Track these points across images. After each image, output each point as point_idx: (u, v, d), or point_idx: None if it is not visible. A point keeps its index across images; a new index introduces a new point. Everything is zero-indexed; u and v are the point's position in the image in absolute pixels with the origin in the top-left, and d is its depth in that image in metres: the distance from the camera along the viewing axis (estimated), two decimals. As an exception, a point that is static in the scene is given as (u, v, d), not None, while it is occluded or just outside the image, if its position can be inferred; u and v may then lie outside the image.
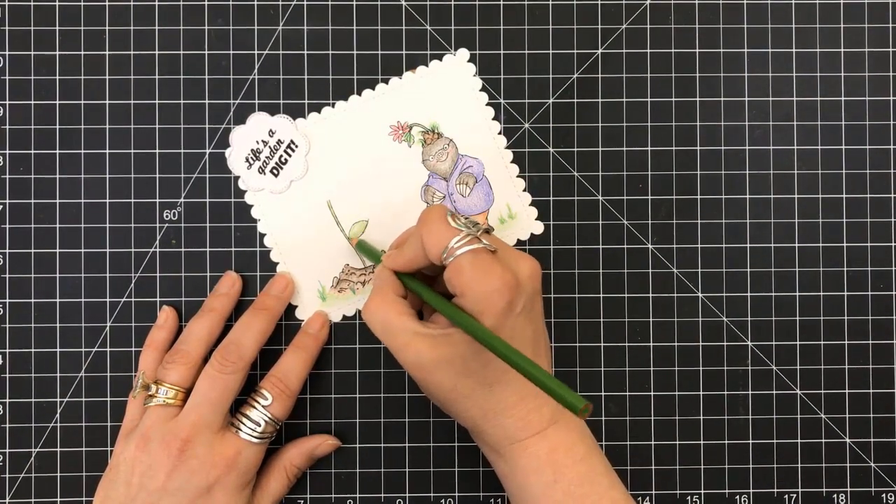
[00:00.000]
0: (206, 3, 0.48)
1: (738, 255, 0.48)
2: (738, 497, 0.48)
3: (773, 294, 0.48)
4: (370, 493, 0.48)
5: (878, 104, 0.49)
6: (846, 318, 0.48)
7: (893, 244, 0.48)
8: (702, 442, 0.48)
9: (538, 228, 0.48)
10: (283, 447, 0.46)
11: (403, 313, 0.40)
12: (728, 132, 0.48)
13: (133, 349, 0.48)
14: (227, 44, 0.48)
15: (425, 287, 0.41)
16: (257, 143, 0.48)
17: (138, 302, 0.48)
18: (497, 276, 0.38)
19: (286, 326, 0.48)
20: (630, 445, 0.48)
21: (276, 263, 0.48)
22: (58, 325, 0.48)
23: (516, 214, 0.48)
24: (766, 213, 0.48)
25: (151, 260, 0.48)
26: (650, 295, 0.48)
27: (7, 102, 0.48)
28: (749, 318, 0.48)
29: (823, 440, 0.48)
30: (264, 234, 0.48)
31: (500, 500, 0.48)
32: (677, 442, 0.48)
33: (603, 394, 0.48)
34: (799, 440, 0.48)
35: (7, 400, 0.48)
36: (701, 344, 0.48)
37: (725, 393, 0.48)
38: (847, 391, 0.48)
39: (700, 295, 0.48)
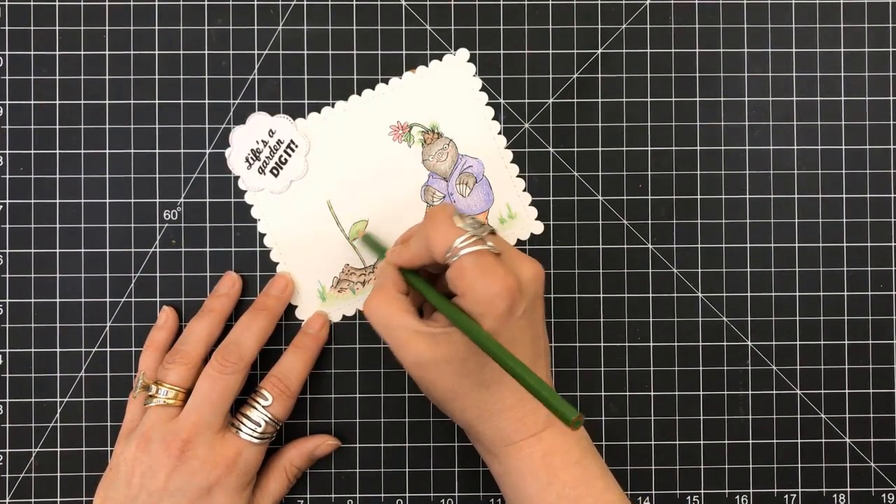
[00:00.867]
0: (206, 3, 0.48)
1: (738, 255, 0.48)
2: (738, 497, 0.48)
3: (772, 294, 0.48)
4: (370, 493, 0.48)
5: (878, 104, 0.49)
6: (846, 318, 0.48)
7: (893, 244, 0.48)
8: (702, 442, 0.48)
9: (538, 228, 0.48)
10: (282, 447, 0.46)
11: (404, 310, 0.40)
12: (728, 132, 0.48)
13: (133, 349, 0.48)
14: (227, 44, 0.48)
15: (427, 285, 0.41)
16: (257, 143, 0.48)
17: (138, 302, 0.48)
18: (499, 279, 0.38)
19: (286, 326, 0.48)
20: (630, 445, 0.48)
21: (276, 263, 0.48)
22: (58, 325, 0.48)
23: (516, 214, 0.48)
24: (766, 213, 0.48)
25: (151, 260, 0.48)
26: (650, 295, 0.48)
27: (7, 102, 0.48)
28: (749, 318, 0.48)
29: (823, 440, 0.48)
30: (264, 234, 0.48)
31: (499, 500, 0.48)
32: (677, 442, 0.48)
33: (603, 394, 0.48)
34: (799, 440, 0.48)
35: (7, 400, 0.48)
36: (701, 344, 0.48)
37: (725, 393, 0.48)
38: (847, 391, 0.48)
39: (700, 295, 0.48)
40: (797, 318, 0.48)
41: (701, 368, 0.48)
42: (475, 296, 0.38)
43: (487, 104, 0.48)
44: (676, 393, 0.48)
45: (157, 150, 0.48)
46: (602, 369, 0.48)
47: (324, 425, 0.48)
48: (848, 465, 0.48)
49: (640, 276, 0.48)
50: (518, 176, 0.48)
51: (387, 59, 0.48)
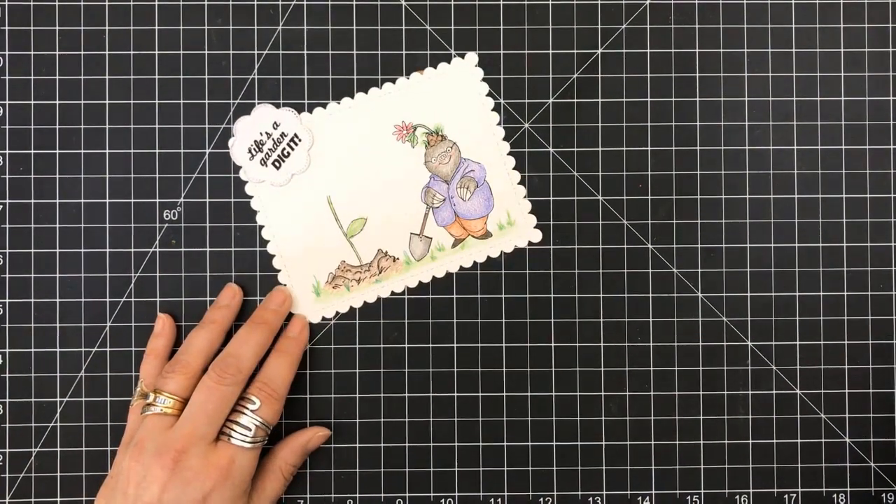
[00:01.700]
0: (206, 3, 0.48)
1: (738, 255, 0.48)
2: (738, 497, 0.48)
3: (772, 294, 0.48)
4: (370, 493, 0.48)
5: (878, 104, 0.49)
6: (846, 318, 0.48)
7: (893, 244, 0.48)
8: (702, 442, 0.48)
9: (536, 237, 0.48)
10: (274, 448, 0.46)
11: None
12: (728, 132, 0.48)
13: (133, 349, 0.48)
14: (227, 44, 0.48)
15: None
16: (261, 134, 0.48)
17: (138, 302, 0.48)
18: None
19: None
20: (630, 445, 0.48)
21: (278, 271, 0.48)
22: (58, 325, 0.48)
23: (515, 221, 0.48)
24: (766, 213, 0.48)
25: (151, 260, 0.48)
26: (650, 295, 0.48)
27: (7, 102, 0.48)
28: (749, 318, 0.48)
29: (823, 440, 0.48)
30: (262, 226, 0.48)
31: (499, 500, 0.48)
32: (677, 442, 0.48)
33: (603, 394, 0.48)
34: (799, 440, 0.48)
35: (7, 400, 0.48)
36: (701, 344, 0.48)
37: (725, 393, 0.48)
38: (847, 391, 0.48)
39: (700, 295, 0.48)
40: (797, 318, 0.48)
41: (701, 368, 0.48)
42: None
43: (493, 109, 0.48)
44: (676, 393, 0.48)
45: (156, 150, 0.48)
46: (602, 369, 0.48)
47: (324, 425, 0.48)
48: (848, 465, 0.48)
49: (640, 276, 0.48)
50: (519, 183, 0.48)
51: (387, 60, 0.48)
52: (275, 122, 0.48)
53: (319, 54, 0.48)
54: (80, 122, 0.48)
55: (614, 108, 0.48)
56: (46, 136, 0.48)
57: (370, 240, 0.48)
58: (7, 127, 0.48)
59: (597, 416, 0.48)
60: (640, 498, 0.48)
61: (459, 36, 0.48)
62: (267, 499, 0.45)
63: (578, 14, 0.48)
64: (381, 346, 0.48)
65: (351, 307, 0.48)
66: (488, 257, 0.48)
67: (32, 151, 0.48)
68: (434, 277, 0.48)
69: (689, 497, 0.48)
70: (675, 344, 0.48)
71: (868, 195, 0.48)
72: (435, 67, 0.48)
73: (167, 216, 0.48)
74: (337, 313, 0.48)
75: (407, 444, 0.48)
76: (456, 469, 0.48)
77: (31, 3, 0.48)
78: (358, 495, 0.48)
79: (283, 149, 0.48)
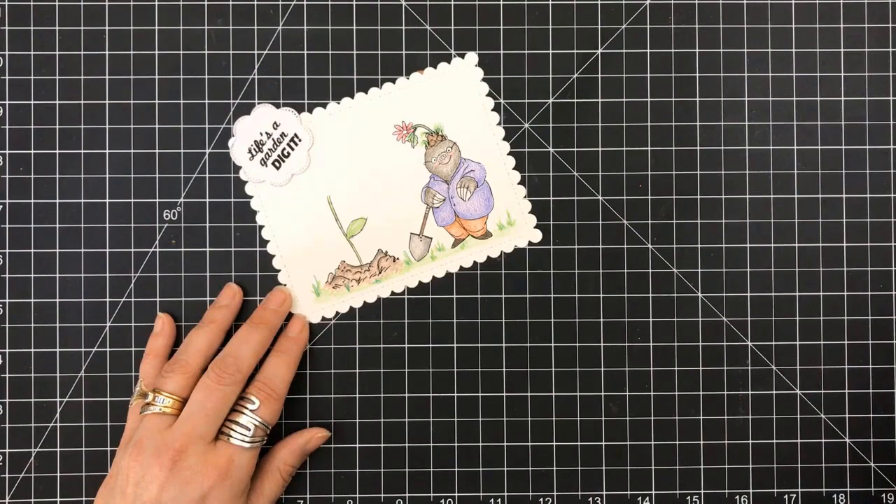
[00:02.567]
0: (206, 3, 0.48)
1: (738, 255, 0.48)
2: (738, 497, 0.48)
3: (772, 294, 0.48)
4: (370, 493, 0.48)
5: (878, 104, 0.49)
6: (846, 318, 0.48)
7: (893, 244, 0.48)
8: (702, 442, 0.48)
9: (536, 237, 0.48)
10: (273, 448, 0.46)
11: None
12: (728, 132, 0.48)
13: (133, 349, 0.48)
14: (227, 44, 0.48)
15: None
16: (261, 134, 0.48)
17: (138, 302, 0.48)
18: None
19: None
20: (630, 445, 0.48)
21: (278, 271, 0.48)
22: (58, 325, 0.48)
23: (515, 221, 0.48)
24: (766, 213, 0.48)
25: (151, 260, 0.48)
26: (650, 295, 0.48)
27: (7, 102, 0.48)
28: (749, 318, 0.48)
29: (823, 440, 0.48)
30: (262, 226, 0.48)
31: (499, 500, 0.48)
32: (677, 442, 0.48)
33: (603, 394, 0.48)
34: (799, 440, 0.48)
35: (7, 400, 0.48)
36: (701, 344, 0.48)
37: (725, 393, 0.48)
38: (847, 391, 0.48)
39: (700, 295, 0.48)
40: (797, 318, 0.48)
41: (701, 368, 0.48)
42: None
43: (493, 109, 0.48)
44: (676, 393, 0.48)
45: (156, 150, 0.48)
46: (602, 369, 0.48)
47: (324, 425, 0.48)
48: (848, 465, 0.48)
49: (640, 276, 0.48)
50: (519, 183, 0.48)
51: (387, 60, 0.48)
52: (275, 122, 0.48)
53: (319, 54, 0.48)
54: (80, 122, 0.48)
55: (614, 108, 0.48)
56: (46, 136, 0.48)
57: (370, 240, 0.48)
58: (7, 127, 0.48)
59: (597, 416, 0.48)
60: (639, 498, 0.48)
61: (459, 36, 0.48)
62: (266, 499, 0.45)
63: (578, 14, 0.48)
64: (381, 346, 0.48)
65: (351, 307, 0.48)
66: (488, 257, 0.48)
67: (32, 151, 0.48)
68: (434, 277, 0.48)
69: (689, 497, 0.48)
70: (675, 344, 0.48)
71: (868, 195, 0.48)
72: (435, 67, 0.48)
73: (167, 216, 0.48)
74: (337, 313, 0.48)
75: (407, 445, 0.48)
76: (456, 469, 0.48)
77: (31, 3, 0.48)
78: (358, 495, 0.48)
79: (283, 149, 0.48)
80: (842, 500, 0.48)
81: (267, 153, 0.48)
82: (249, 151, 0.48)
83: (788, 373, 0.48)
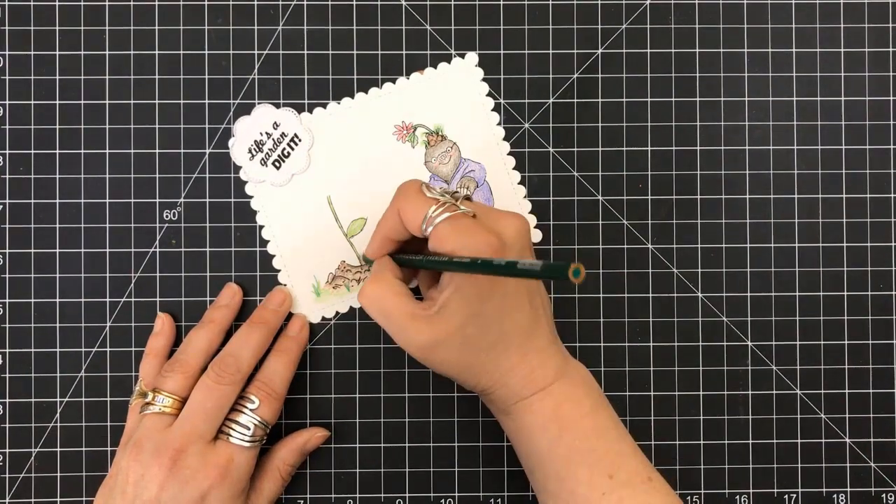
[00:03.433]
0: (206, 3, 0.48)
1: (738, 255, 0.48)
2: (738, 497, 0.48)
3: (772, 294, 0.48)
4: (370, 493, 0.48)
5: (878, 104, 0.49)
6: (846, 318, 0.48)
7: (893, 244, 0.48)
8: (702, 442, 0.48)
9: (536, 236, 0.48)
10: (273, 448, 0.46)
11: (399, 294, 0.40)
12: (728, 132, 0.48)
13: (133, 349, 0.48)
14: (227, 44, 0.48)
15: (415, 256, 0.41)
16: (261, 134, 0.48)
17: (138, 302, 0.48)
18: (480, 238, 0.38)
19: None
20: (630, 445, 0.48)
21: (278, 271, 0.48)
22: (58, 325, 0.48)
23: (515, 220, 0.48)
24: (766, 213, 0.48)
25: (151, 260, 0.48)
26: (650, 295, 0.48)
27: (7, 102, 0.48)
28: (749, 318, 0.48)
29: (823, 440, 0.48)
30: (262, 226, 0.48)
31: (500, 500, 0.48)
32: (677, 442, 0.48)
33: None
34: (799, 440, 0.48)
35: (7, 400, 0.48)
36: (701, 344, 0.48)
37: (725, 393, 0.48)
38: (847, 391, 0.48)
39: (700, 295, 0.48)
40: (797, 318, 0.48)
41: (701, 368, 0.48)
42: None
43: (493, 110, 0.48)
44: (676, 393, 0.48)
45: (156, 150, 0.48)
46: (602, 369, 0.48)
47: (324, 425, 0.48)
48: (848, 465, 0.48)
49: (640, 276, 0.48)
50: (519, 183, 0.48)
51: (387, 60, 0.48)
52: (275, 122, 0.48)
53: (319, 54, 0.48)
54: (80, 122, 0.48)
55: (614, 108, 0.48)
56: (46, 136, 0.48)
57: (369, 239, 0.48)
58: (7, 127, 0.48)
59: (597, 416, 0.48)
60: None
61: (459, 36, 0.48)
62: (265, 498, 0.45)
63: (578, 14, 0.48)
64: (381, 346, 0.48)
65: (351, 307, 0.48)
66: (488, 257, 0.48)
67: (32, 151, 0.48)
68: (434, 277, 0.48)
69: (689, 497, 0.48)
70: (675, 344, 0.48)
71: (868, 195, 0.48)
72: (435, 67, 0.48)
73: (167, 216, 0.48)
74: (337, 313, 0.48)
75: (407, 445, 0.48)
76: (456, 469, 0.48)
77: (31, 3, 0.48)
78: (358, 495, 0.48)
79: (283, 149, 0.48)
80: (842, 500, 0.48)
81: (267, 153, 0.48)
82: (249, 151, 0.48)
83: (788, 373, 0.48)
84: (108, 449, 0.48)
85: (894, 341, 0.48)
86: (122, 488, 0.41)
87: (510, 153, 0.48)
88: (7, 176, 0.48)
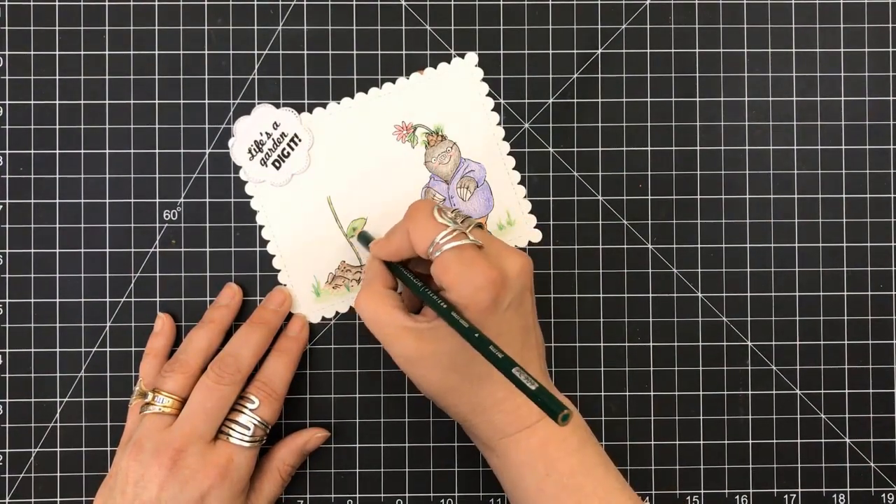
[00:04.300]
0: (206, 3, 0.48)
1: (738, 255, 0.48)
2: (737, 497, 0.48)
3: (772, 294, 0.48)
4: (370, 493, 0.48)
5: (878, 104, 0.49)
6: (846, 318, 0.48)
7: (893, 244, 0.48)
8: (701, 442, 0.48)
9: (536, 237, 0.48)
10: (273, 448, 0.46)
11: (391, 306, 0.40)
12: (728, 132, 0.48)
13: (133, 349, 0.48)
14: (227, 44, 0.48)
15: (413, 278, 0.41)
16: (261, 134, 0.48)
17: (138, 302, 0.48)
18: (481, 273, 0.38)
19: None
20: (630, 445, 0.48)
21: (278, 271, 0.48)
22: (58, 325, 0.48)
23: (515, 221, 0.48)
24: (766, 213, 0.48)
25: (151, 260, 0.48)
26: (650, 295, 0.48)
27: (7, 102, 0.48)
28: (749, 318, 0.48)
29: (823, 440, 0.48)
30: (262, 226, 0.48)
31: (500, 500, 0.48)
32: (677, 442, 0.48)
33: (603, 394, 0.48)
34: (799, 440, 0.48)
35: (7, 400, 0.48)
36: (701, 344, 0.48)
37: (725, 393, 0.48)
38: (847, 391, 0.48)
39: (700, 295, 0.48)
40: (797, 318, 0.48)
41: (701, 368, 0.48)
42: (458, 290, 0.38)
43: (493, 110, 0.48)
44: (676, 393, 0.48)
45: (156, 150, 0.48)
46: (602, 369, 0.48)
47: (324, 425, 0.48)
48: (848, 465, 0.48)
49: (640, 276, 0.48)
50: (519, 183, 0.48)
51: (387, 60, 0.48)
52: (275, 123, 0.48)
53: (319, 54, 0.48)
54: (80, 122, 0.48)
55: (614, 108, 0.48)
56: (46, 136, 0.48)
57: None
58: (7, 127, 0.48)
59: (597, 416, 0.48)
60: (640, 498, 0.48)
61: (459, 36, 0.48)
62: (265, 499, 0.45)
63: (578, 14, 0.48)
64: (381, 345, 0.48)
65: (351, 307, 0.48)
66: (488, 257, 0.48)
67: (32, 151, 0.48)
68: (434, 277, 0.48)
69: (689, 497, 0.48)
70: (675, 344, 0.48)
71: (868, 195, 0.48)
72: (435, 67, 0.48)
73: (167, 216, 0.48)
74: (337, 313, 0.48)
75: (407, 445, 0.48)
76: (456, 469, 0.48)
77: (31, 3, 0.48)
78: (358, 495, 0.48)
79: (283, 149, 0.48)
80: (842, 500, 0.48)
81: (267, 153, 0.48)
82: (249, 151, 0.48)
83: (788, 373, 0.48)
84: (108, 449, 0.48)
85: (894, 341, 0.48)
86: (121, 488, 0.41)
87: (510, 153, 0.48)
88: (7, 176, 0.48)
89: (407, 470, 0.48)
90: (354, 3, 0.48)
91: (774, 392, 0.48)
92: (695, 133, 0.48)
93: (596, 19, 0.48)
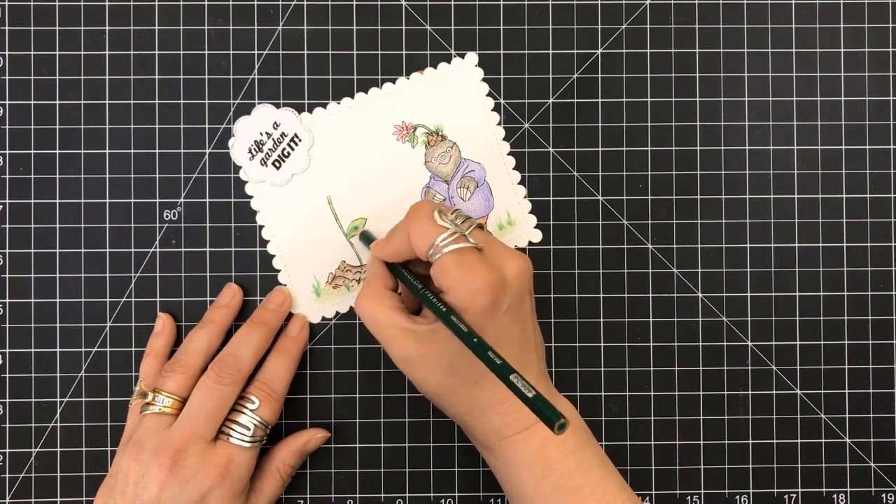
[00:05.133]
0: (206, 3, 0.48)
1: (738, 255, 0.48)
2: (738, 497, 0.48)
3: (772, 294, 0.48)
4: (370, 493, 0.48)
5: (878, 104, 0.49)
6: (846, 318, 0.48)
7: (893, 244, 0.48)
8: (702, 442, 0.48)
9: (536, 237, 0.48)
10: (273, 448, 0.46)
11: (391, 307, 0.40)
12: (728, 132, 0.48)
13: (133, 349, 0.48)
14: (227, 44, 0.48)
15: (413, 280, 0.41)
16: (261, 134, 0.48)
17: (138, 302, 0.48)
18: (480, 276, 0.38)
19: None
20: (630, 445, 0.48)
21: (278, 271, 0.48)
22: (58, 325, 0.48)
23: (515, 221, 0.48)
24: (766, 213, 0.48)
25: (151, 260, 0.48)
26: (650, 295, 0.48)
27: (7, 102, 0.48)
28: (749, 318, 0.48)
29: (823, 440, 0.48)
30: (262, 226, 0.48)
31: (500, 500, 0.48)
32: (677, 442, 0.48)
33: (603, 394, 0.48)
34: (799, 440, 0.48)
35: (7, 400, 0.48)
36: (701, 344, 0.48)
37: (725, 393, 0.48)
38: (847, 391, 0.48)
39: (700, 295, 0.48)
40: (797, 318, 0.48)
41: (701, 368, 0.48)
42: (457, 293, 0.38)
43: (493, 110, 0.48)
44: (676, 393, 0.48)
45: (156, 150, 0.48)
46: (602, 369, 0.48)
47: (324, 425, 0.48)
48: (848, 465, 0.48)
49: (640, 276, 0.48)
50: (519, 183, 0.48)
51: (387, 60, 0.48)
52: (275, 122, 0.48)
53: (319, 54, 0.48)
54: (80, 122, 0.48)
55: (614, 108, 0.48)
56: (46, 136, 0.48)
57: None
58: (7, 127, 0.48)
59: (597, 416, 0.48)
60: (640, 498, 0.48)
61: (459, 36, 0.48)
62: (265, 499, 0.45)
63: (578, 14, 0.48)
64: (381, 345, 0.48)
65: (351, 307, 0.48)
66: (488, 257, 0.48)
67: (32, 151, 0.48)
68: (434, 277, 0.48)
69: (689, 497, 0.48)
70: (675, 344, 0.48)
71: (868, 195, 0.48)
72: (435, 67, 0.48)
73: (167, 216, 0.48)
74: (337, 313, 0.48)
75: (407, 445, 0.48)
76: (456, 469, 0.48)
77: (31, 3, 0.48)
78: (358, 495, 0.48)
79: (283, 149, 0.48)
80: (842, 500, 0.48)
81: (267, 153, 0.48)
82: (249, 151, 0.48)
83: (788, 373, 0.48)
84: (108, 449, 0.48)
85: (894, 341, 0.48)
86: (122, 488, 0.41)
87: (510, 153, 0.48)
88: (7, 176, 0.48)
89: (407, 470, 0.48)
90: (354, 3, 0.48)
91: (774, 392, 0.48)
92: (695, 133, 0.48)
93: (596, 19, 0.48)
